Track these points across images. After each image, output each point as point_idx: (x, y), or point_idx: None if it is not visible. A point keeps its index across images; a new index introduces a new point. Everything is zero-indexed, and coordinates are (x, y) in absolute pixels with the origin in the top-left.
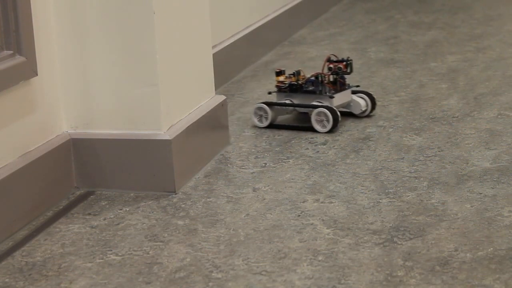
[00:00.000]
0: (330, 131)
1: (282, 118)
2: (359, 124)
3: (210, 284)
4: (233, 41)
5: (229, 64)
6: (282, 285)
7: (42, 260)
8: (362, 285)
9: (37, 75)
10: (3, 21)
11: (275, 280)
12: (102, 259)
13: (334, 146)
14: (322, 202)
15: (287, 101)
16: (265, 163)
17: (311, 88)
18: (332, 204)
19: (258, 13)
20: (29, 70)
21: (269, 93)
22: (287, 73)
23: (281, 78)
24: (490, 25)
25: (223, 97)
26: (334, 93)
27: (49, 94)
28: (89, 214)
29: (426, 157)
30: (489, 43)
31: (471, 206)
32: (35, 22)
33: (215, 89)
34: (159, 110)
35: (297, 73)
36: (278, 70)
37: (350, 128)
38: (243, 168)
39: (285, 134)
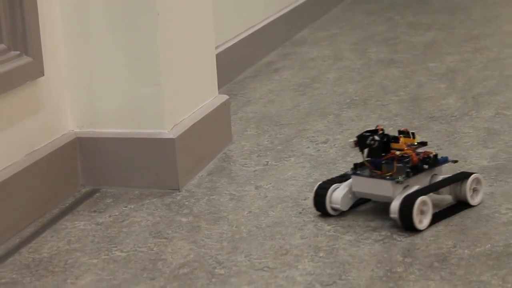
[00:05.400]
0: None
1: None
2: (359, 123)
3: (213, 280)
4: (235, 41)
5: (231, 64)
6: (284, 281)
7: (48, 256)
8: (362, 281)
9: (43, 75)
10: (10, 22)
11: (277, 276)
12: (107, 255)
13: (335, 144)
14: None
15: None
16: (267, 161)
17: None
18: None
19: (260, 14)
20: (35, 70)
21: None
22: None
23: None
24: (488, 26)
25: (226, 97)
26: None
27: (55, 93)
28: (95, 211)
29: None
30: (486, 44)
31: None
32: (42, 23)
33: (218, 89)
34: (163, 109)
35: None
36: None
37: (350, 127)
38: (245, 166)
39: (286, 133)
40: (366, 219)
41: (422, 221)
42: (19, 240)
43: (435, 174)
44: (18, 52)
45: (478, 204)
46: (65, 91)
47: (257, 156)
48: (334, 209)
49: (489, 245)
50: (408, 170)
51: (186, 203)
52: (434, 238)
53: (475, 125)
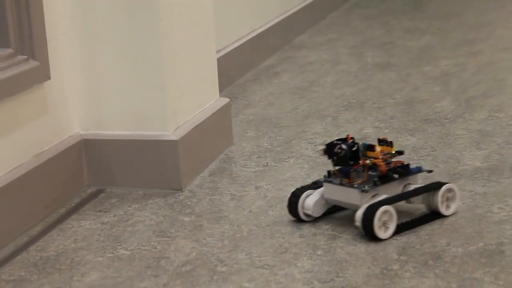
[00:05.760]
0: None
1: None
2: (356, 125)
3: (215, 277)
4: (236, 46)
5: (232, 68)
6: (283, 278)
7: (55, 254)
8: (359, 278)
9: (50, 78)
10: (18, 28)
11: (276, 274)
12: (112, 253)
13: None
14: None
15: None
16: (267, 163)
17: None
18: None
19: (260, 19)
20: (42, 74)
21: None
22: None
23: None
24: (481, 31)
25: (227, 100)
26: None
27: (61, 97)
28: (100, 211)
29: (420, 156)
30: (480, 48)
31: (463, 203)
32: (48, 29)
33: (219, 92)
34: (166, 112)
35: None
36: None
37: (348, 129)
38: (246, 167)
39: (285, 135)
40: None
41: (385, 230)
42: (27, 238)
43: (409, 183)
44: (25, 57)
45: (452, 214)
46: (71, 94)
47: (257, 157)
48: (306, 215)
49: (482, 243)
50: (376, 179)
51: (189, 203)
52: (428, 237)
53: (468, 127)
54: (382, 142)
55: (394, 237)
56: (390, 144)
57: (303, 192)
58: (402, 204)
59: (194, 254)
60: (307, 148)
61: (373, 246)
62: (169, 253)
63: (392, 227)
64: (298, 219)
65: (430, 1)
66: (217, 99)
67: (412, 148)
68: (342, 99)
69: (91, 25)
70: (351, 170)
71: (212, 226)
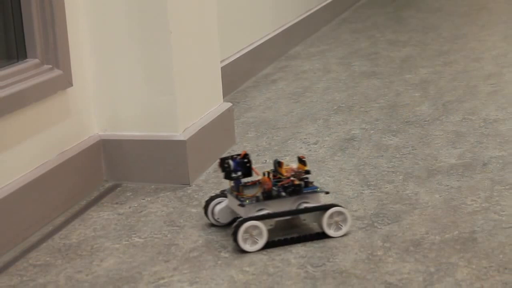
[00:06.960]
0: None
1: None
2: (345, 127)
3: (219, 262)
4: (238, 56)
5: (234, 76)
6: (280, 263)
7: (77, 242)
8: (348, 262)
9: (72, 85)
10: (44, 41)
11: (274, 259)
12: (127, 241)
13: (324, 145)
14: None
15: None
16: (266, 160)
17: None
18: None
19: (259, 32)
20: (65, 81)
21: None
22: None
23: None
24: (456, 43)
25: (229, 104)
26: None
27: (82, 101)
28: (117, 203)
29: (401, 154)
30: (455, 58)
31: (440, 196)
32: (71, 41)
33: (223, 97)
34: (175, 115)
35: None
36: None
37: (337, 130)
38: None
39: (282, 135)
40: (351, 209)
41: (253, 244)
42: (51, 228)
43: (305, 202)
44: (50, 66)
45: (342, 236)
46: (91, 99)
47: (257, 156)
48: (216, 220)
49: (457, 232)
50: (258, 195)
51: (196, 196)
52: (409, 226)
53: (444, 128)
54: (300, 160)
55: (378, 226)
56: (303, 163)
57: (213, 199)
58: (298, 221)
59: (200, 241)
60: (301, 147)
61: (360, 235)
62: (178, 240)
63: (261, 242)
64: (211, 223)
65: (410, 16)
66: (221, 103)
67: (395, 147)
68: (332, 103)
69: (109, 38)
70: (241, 184)
71: None
